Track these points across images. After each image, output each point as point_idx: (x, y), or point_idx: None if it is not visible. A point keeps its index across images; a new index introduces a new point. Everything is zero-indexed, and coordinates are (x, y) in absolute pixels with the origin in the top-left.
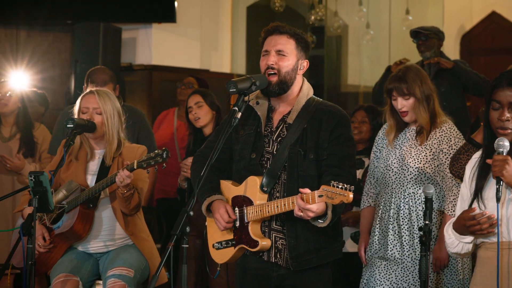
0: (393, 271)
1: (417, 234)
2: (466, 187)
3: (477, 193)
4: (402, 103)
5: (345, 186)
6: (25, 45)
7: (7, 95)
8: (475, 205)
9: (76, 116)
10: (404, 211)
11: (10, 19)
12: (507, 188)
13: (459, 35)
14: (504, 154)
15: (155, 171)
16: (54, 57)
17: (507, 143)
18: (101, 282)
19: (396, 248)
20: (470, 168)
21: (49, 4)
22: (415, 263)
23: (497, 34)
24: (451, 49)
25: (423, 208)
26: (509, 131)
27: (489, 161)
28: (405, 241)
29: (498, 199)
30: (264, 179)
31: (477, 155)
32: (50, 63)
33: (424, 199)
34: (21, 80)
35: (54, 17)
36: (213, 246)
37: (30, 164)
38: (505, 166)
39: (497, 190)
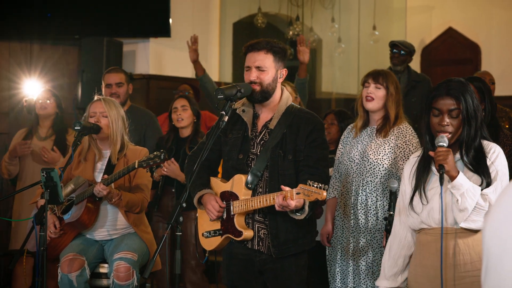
0: (356, 254)
1: (372, 218)
2: (407, 184)
3: (417, 188)
4: (372, 90)
5: (320, 185)
6: (37, 57)
7: (47, 101)
8: (416, 198)
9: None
10: (362, 198)
11: (24, 34)
12: (447, 180)
13: (420, 48)
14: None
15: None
16: (63, 67)
17: (446, 139)
18: (104, 265)
19: (354, 231)
20: (410, 166)
21: (59, 21)
22: (368, 243)
23: (453, 47)
24: (413, 61)
25: (377, 195)
26: (449, 134)
27: (431, 153)
28: (361, 223)
29: (442, 183)
30: (249, 177)
31: (414, 156)
32: (59, 72)
33: (379, 188)
34: (34, 88)
35: (63, 32)
36: (203, 235)
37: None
38: (448, 156)
39: (441, 176)
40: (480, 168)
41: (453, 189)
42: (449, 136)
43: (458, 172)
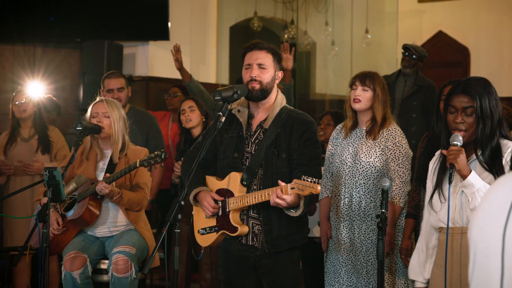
0: (352, 253)
1: (366, 219)
2: (430, 181)
3: (437, 186)
4: (360, 93)
5: (314, 179)
6: (40, 59)
7: (22, 101)
8: (436, 196)
9: (87, 121)
10: (356, 199)
11: (28, 37)
12: (460, 179)
13: None
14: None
15: (162, 168)
16: (65, 69)
17: (461, 138)
18: (105, 261)
19: (349, 233)
20: (432, 163)
21: (61, 25)
22: (363, 244)
23: (443, 50)
24: None
25: (371, 196)
26: (463, 132)
27: (444, 151)
28: (356, 225)
29: (450, 182)
30: (244, 175)
31: (438, 152)
32: (62, 75)
33: (372, 189)
34: (37, 89)
35: (65, 36)
36: (198, 231)
37: (48, 163)
38: (459, 155)
39: (450, 175)
40: (494, 167)
41: (465, 188)
42: (464, 134)
43: (470, 171)
